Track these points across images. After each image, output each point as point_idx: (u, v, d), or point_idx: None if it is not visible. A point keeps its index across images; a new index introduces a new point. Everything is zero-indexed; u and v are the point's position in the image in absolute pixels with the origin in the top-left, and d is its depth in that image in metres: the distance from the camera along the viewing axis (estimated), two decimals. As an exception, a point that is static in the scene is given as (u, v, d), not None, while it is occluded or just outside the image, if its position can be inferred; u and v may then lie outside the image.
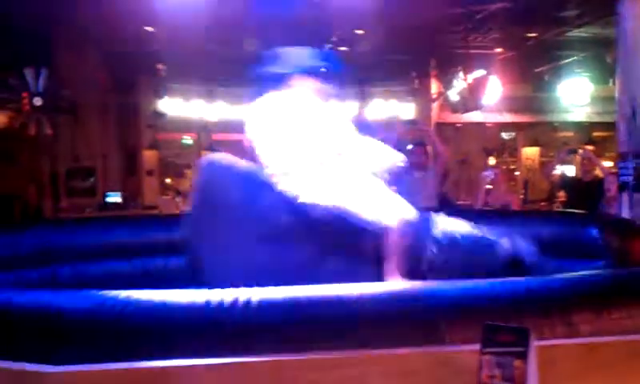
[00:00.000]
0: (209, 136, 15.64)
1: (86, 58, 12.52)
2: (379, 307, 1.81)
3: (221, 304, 1.71)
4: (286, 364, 1.63)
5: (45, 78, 11.76)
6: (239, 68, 14.30)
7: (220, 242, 3.20)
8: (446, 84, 13.92)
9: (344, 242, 3.07)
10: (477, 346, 1.60)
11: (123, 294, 1.72)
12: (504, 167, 17.39)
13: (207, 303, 1.71)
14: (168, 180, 15.80)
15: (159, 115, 14.74)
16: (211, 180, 3.43)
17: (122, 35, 11.38)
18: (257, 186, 3.31)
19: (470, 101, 13.00)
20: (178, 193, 13.85)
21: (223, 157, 3.65)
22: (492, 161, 17.46)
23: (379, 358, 1.68)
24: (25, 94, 11.84)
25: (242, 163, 3.53)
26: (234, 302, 1.70)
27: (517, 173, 18.05)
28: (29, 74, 11.80)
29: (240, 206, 3.26)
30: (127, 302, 1.70)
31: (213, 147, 13.68)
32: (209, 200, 3.36)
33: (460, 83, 13.12)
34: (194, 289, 1.82)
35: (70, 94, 12.06)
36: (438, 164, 7.02)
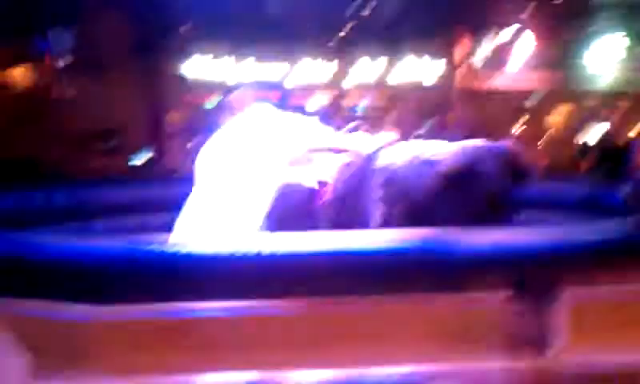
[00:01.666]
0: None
1: (111, 18, 12.51)
2: (404, 253, 1.82)
3: (244, 253, 1.74)
4: (311, 309, 1.66)
5: (69, 39, 11.80)
6: (265, 28, 14.26)
7: None
8: (474, 47, 13.73)
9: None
10: (506, 294, 1.60)
11: (151, 244, 1.77)
12: (529, 133, 17.17)
13: (232, 252, 1.75)
14: (191, 143, 15.83)
15: (184, 77, 14.73)
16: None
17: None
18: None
19: (498, 62, 12.82)
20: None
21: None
22: (518, 126, 17.24)
23: (404, 304, 1.69)
24: (50, 55, 11.91)
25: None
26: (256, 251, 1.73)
27: (538, 136, 17.75)
28: (54, 35, 11.84)
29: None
30: (156, 252, 1.75)
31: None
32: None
33: (487, 46, 12.93)
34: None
35: (94, 55, 12.09)
36: (461, 130, 6.98)
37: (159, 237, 1.88)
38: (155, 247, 1.77)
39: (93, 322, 1.66)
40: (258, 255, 1.74)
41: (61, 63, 11.64)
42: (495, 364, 1.70)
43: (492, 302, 1.69)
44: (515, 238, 2.00)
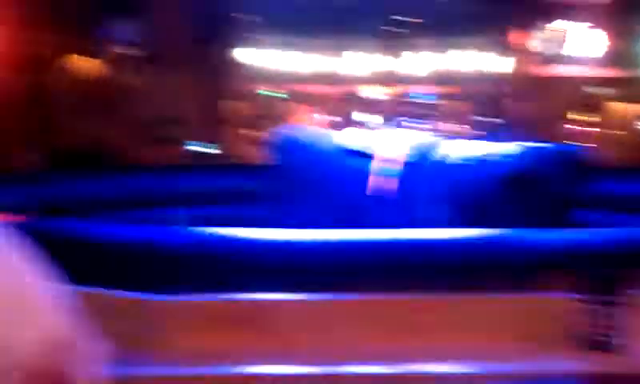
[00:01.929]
0: (291, 88, 15.72)
1: (173, 7, 12.74)
2: (469, 252, 1.83)
3: (310, 245, 1.78)
4: (376, 303, 1.69)
5: (133, 28, 12.07)
6: (328, 18, 14.30)
7: (299, 217, 3.28)
8: (533, 35, 13.42)
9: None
10: (571, 295, 1.60)
11: (222, 232, 1.83)
12: (595, 125, 16.69)
13: (297, 244, 1.79)
14: (252, 131, 16.01)
15: (243, 66, 14.89)
16: (280, 159, 3.50)
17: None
18: (328, 160, 3.35)
19: (556, 52, 12.51)
20: (261, 144, 14.04)
21: (296, 131, 3.71)
22: (575, 116, 16.78)
23: (470, 303, 1.71)
24: (114, 44, 12.21)
25: (307, 140, 3.57)
26: (323, 244, 1.77)
27: (599, 129, 17.26)
28: (118, 24, 12.14)
29: (304, 182, 3.33)
30: (226, 240, 1.80)
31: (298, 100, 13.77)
32: (278, 177, 3.45)
33: (546, 34, 12.63)
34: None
35: (157, 44, 12.34)
36: (520, 122, 6.87)
37: (230, 227, 1.95)
38: (228, 236, 1.83)
39: (160, 310, 1.74)
40: (325, 245, 1.78)
41: (126, 53, 11.92)
42: (562, 365, 1.70)
43: (560, 302, 1.69)
44: (583, 238, 1.98)
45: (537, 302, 1.74)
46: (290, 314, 1.73)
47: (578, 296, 1.59)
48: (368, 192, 3.25)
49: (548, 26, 12.48)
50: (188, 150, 13.03)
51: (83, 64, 13.31)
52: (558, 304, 1.68)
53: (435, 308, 1.73)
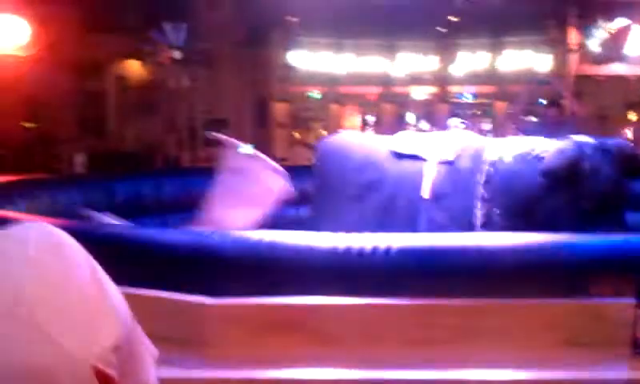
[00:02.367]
0: (336, 89, 15.73)
1: (221, 11, 12.90)
2: (524, 257, 1.80)
3: (362, 249, 1.77)
4: (428, 308, 1.68)
5: (183, 31, 12.27)
6: (368, 20, 14.27)
7: (337, 218, 3.28)
8: (586, 33, 13.13)
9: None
10: (630, 301, 1.56)
11: (269, 236, 1.84)
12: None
13: (349, 248, 1.78)
14: (296, 133, 16.09)
15: (289, 68, 14.97)
16: (326, 162, 3.51)
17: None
18: (368, 167, 3.34)
19: (613, 51, 12.22)
20: (306, 145, 14.08)
21: (339, 137, 3.70)
22: (633, 117, 16.34)
23: (522, 309, 1.68)
24: (164, 48, 12.43)
25: (354, 143, 3.55)
26: (375, 249, 1.76)
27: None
28: (168, 28, 12.35)
29: (352, 187, 3.32)
30: (274, 244, 1.81)
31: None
32: (325, 180, 3.46)
33: (601, 32, 12.35)
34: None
35: (206, 47, 12.52)
36: (574, 121, 6.72)
37: (277, 228, 1.95)
38: (273, 240, 1.83)
39: (212, 313, 1.75)
40: (374, 252, 1.77)
41: (176, 56, 12.12)
42: (616, 373, 1.66)
43: (614, 309, 1.65)
44: (636, 242, 1.93)
45: (593, 308, 1.69)
46: (341, 318, 1.72)
47: (632, 301, 1.55)
48: (413, 193, 3.23)
49: (605, 25, 12.18)
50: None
51: (135, 67, 13.59)
52: (615, 311, 1.63)
53: (486, 313, 1.70)
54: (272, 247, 1.81)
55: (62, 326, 0.78)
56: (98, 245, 1.57)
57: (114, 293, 0.89)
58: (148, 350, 0.97)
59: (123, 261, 1.92)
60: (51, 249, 0.86)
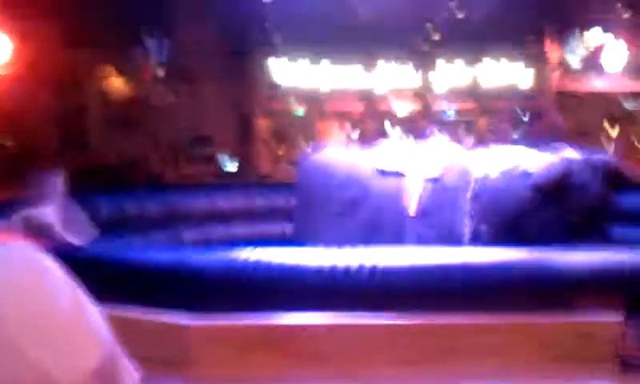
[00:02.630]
0: (320, 105, 15.77)
1: (204, 28, 12.91)
2: (509, 273, 1.79)
3: (347, 267, 1.75)
4: (415, 326, 1.66)
5: (166, 48, 12.26)
6: (352, 38, 14.35)
7: (320, 235, 3.27)
8: (567, 50, 13.28)
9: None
10: (617, 318, 1.55)
11: (254, 253, 1.81)
12: (627, 140, 16.40)
13: (334, 266, 1.76)
14: (280, 149, 16.08)
15: (273, 85, 14.99)
16: (309, 179, 3.51)
17: (239, 4, 11.64)
18: (352, 183, 3.34)
19: (592, 67, 12.36)
20: (290, 162, 14.09)
21: (322, 154, 3.70)
22: (614, 132, 16.51)
23: (510, 326, 1.67)
24: (147, 64, 12.42)
25: (337, 160, 3.55)
26: (361, 266, 1.75)
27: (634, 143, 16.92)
28: (151, 44, 12.34)
29: (336, 204, 3.32)
30: (259, 262, 1.78)
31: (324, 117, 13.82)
32: (308, 196, 3.45)
33: (581, 48, 12.49)
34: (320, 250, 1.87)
35: (189, 64, 12.51)
36: (555, 136, 6.76)
37: (261, 247, 1.93)
38: (258, 258, 1.81)
39: (196, 333, 1.73)
40: (360, 269, 1.76)
41: (158, 72, 12.11)
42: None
43: (601, 326, 1.64)
44: (627, 257, 1.92)
45: (582, 323, 1.69)
46: (328, 336, 1.70)
47: (624, 317, 1.54)
48: (398, 209, 3.21)
49: (581, 38, 12.33)
50: (219, 168, 13.12)
51: (116, 83, 13.54)
52: (604, 326, 1.63)
53: (474, 331, 1.69)
54: (257, 265, 1.79)
55: (43, 350, 0.76)
56: (80, 265, 1.55)
57: (95, 315, 0.87)
58: (129, 372, 0.95)
59: (106, 280, 1.89)
60: (32, 271, 0.83)
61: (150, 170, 12.89)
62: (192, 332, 1.71)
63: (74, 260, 1.85)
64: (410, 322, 1.69)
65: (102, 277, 1.89)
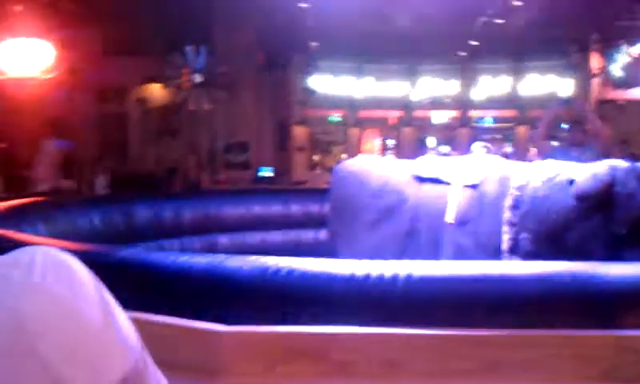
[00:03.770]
0: (356, 113, 15.75)
1: (242, 36, 13.02)
2: (551, 286, 1.73)
3: (381, 277, 1.71)
4: (451, 339, 1.61)
5: (204, 56, 12.38)
6: (389, 44, 14.26)
7: (356, 242, 3.23)
8: (608, 58, 13.04)
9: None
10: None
11: (285, 261, 1.78)
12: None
13: (368, 275, 1.72)
14: (315, 156, 16.11)
15: (309, 92, 15.03)
16: (344, 185, 3.46)
17: (276, 12, 11.70)
18: (388, 191, 3.28)
19: (635, 76, 12.12)
20: (326, 169, 14.08)
21: (358, 161, 3.65)
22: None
23: (551, 339, 1.61)
24: (186, 71, 12.55)
25: (373, 167, 3.49)
26: (395, 276, 1.70)
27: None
28: (190, 52, 12.48)
29: (371, 212, 3.27)
30: (291, 270, 1.75)
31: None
32: (343, 203, 3.41)
33: (623, 57, 12.25)
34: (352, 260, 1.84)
35: (226, 71, 12.62)
36: (597, 143, 6.60)
37: (293, 253, 1.90)
38: (291, 266, 1.78)
39: (227, 341, 1.70)
40: (394, 280, 1.71)
41: (196, 79, 12.23)
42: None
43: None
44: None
45: (625, 337, 1.61)
46: (361, 348, 1.66)
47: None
48: (436, 217, 3.15)
49: (627, 49, 12.08)
50: (256, 175, 13.19)
51: (155, 90, 13.72)
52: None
53: (512, 345, 1.63)
54: (289, 274, 1.76)
55: (67, 360, 0.74)
56: (110, 270, 1.55)
57: (124, 321, 0.85)
58: (157, 380, 0.92)
59: (136, 286, 1.89)
60: (57, 275, 0.81)
61: (188, 176, 13.01)
62: (223, 341, 1.68)
63: (105, 264, 1.85)
64: (445, 335, 1.63)
65: (132, 282, 1.89)
